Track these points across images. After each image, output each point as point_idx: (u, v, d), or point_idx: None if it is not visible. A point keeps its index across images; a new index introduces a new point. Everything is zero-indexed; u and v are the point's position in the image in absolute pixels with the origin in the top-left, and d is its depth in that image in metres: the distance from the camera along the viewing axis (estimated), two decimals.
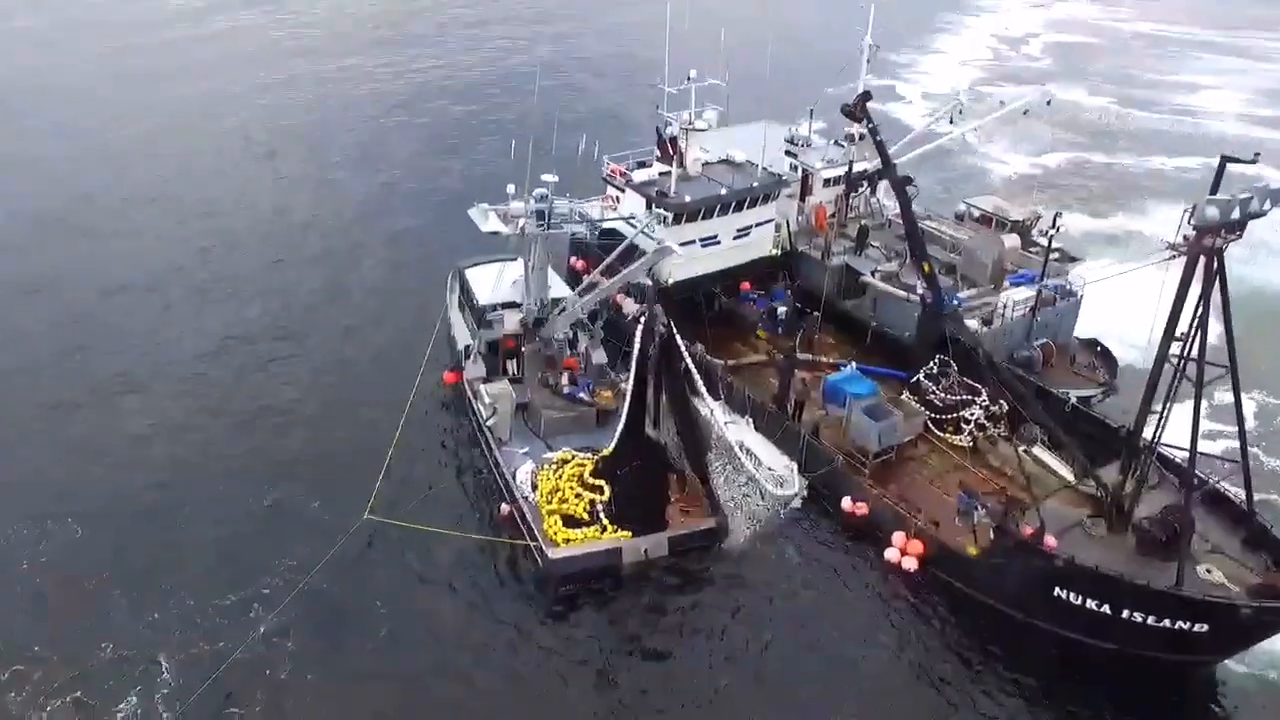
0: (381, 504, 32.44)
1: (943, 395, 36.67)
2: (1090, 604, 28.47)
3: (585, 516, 31.77)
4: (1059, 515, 30.96)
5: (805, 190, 47.80)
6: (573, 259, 45.99)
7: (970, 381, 36.60)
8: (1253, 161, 26.41)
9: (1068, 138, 75.35)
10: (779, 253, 45.26)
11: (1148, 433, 30.06)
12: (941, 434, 36.30)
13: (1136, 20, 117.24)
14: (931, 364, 37.60)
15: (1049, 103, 47.95)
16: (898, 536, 32.15)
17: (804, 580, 31.87)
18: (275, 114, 76.16)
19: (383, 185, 63.46)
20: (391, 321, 46.16)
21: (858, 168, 46.84)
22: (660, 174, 43.34)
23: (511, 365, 38.22)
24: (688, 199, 41.10)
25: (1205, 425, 28.77)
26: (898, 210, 42.67)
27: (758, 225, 43.85)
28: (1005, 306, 40.22)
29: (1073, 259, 43.91)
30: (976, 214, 46.70)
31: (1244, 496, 29.52)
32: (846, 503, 33.76)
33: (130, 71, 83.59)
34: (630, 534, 31.33)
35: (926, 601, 31.02)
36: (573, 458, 33.73)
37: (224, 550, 31.71)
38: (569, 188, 38.31)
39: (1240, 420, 27.99)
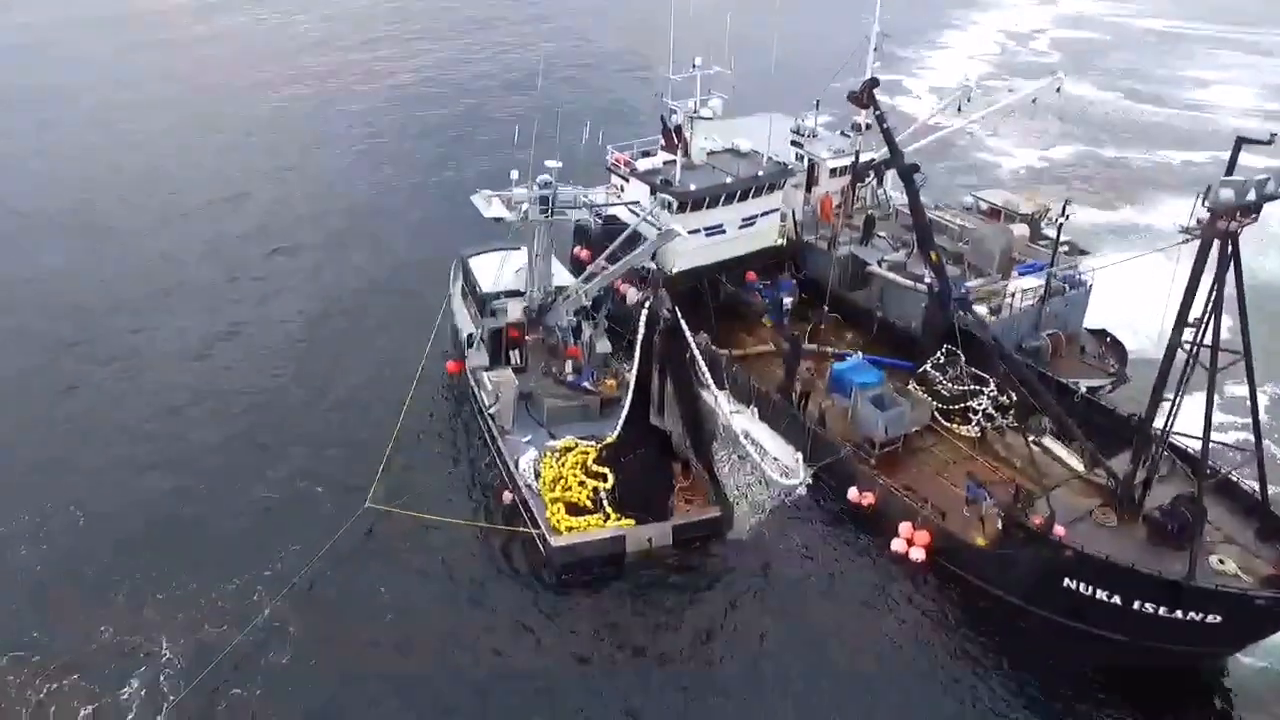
0: (382, 493, 32.17)
1: (950, 385, 36.23)
2: (1101, 595, 27.99)
3: (588, 504, 31.46)
4: (1068, 505, 30.48)
5: (811, 180, 47.31)
6: (576, 248, 45.59)
7: (978, 372, 36.17)
8: (1269, 142, 25.84)
9: (1076, 131, 74.83)
10: (784, 243, 44.84)
11: (1159, 422, 29.57)
12: (949, 424, 35.87)
13: (1146, 16, 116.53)
14: (939, 354, 37.17)
15: (1059, 90, 47.36)
16: (904, 527, 31.68)
17: (809, 570, 31.47)
18: (275, 108, 76.04)
19: (385, 176, 63.29)
20: (394, 311, 45.87)
21: (864, 158, 46.36)
22: (665, 163, 42.99)
23: (515, 355, 37.92)
24: (692, 187, 40.72)
25: (1217, 417, 28.30)
26: (904, 201, 42.28)
27: (763, 215, 43.43)
28: (1013, 296, 39.74)
29: (1082, 252, 43.42)
30: (984, 207, 46.21)
31: (1257, 487, 29.02)
32: (853, 493, 33.35)
33: (134, 66, 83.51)
34: (634, 522, 30.98)
35: (933, 592, 30.59)
36: (576, 445, 33.38)
37: (225, 537, 31.54)
38: (573, 175, 37.98)
39: (1254, 408, 27.49)
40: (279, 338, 43.73)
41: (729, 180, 41.40)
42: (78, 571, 30.04)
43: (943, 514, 31.57)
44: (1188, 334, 27.00)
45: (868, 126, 45.84)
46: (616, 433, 32.78)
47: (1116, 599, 27.82)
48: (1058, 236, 40.23)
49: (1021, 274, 40.94)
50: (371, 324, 45.13)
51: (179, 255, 51.34)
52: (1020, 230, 43.07)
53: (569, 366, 37.30)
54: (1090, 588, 28.07)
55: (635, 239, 36.08)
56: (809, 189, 47.20)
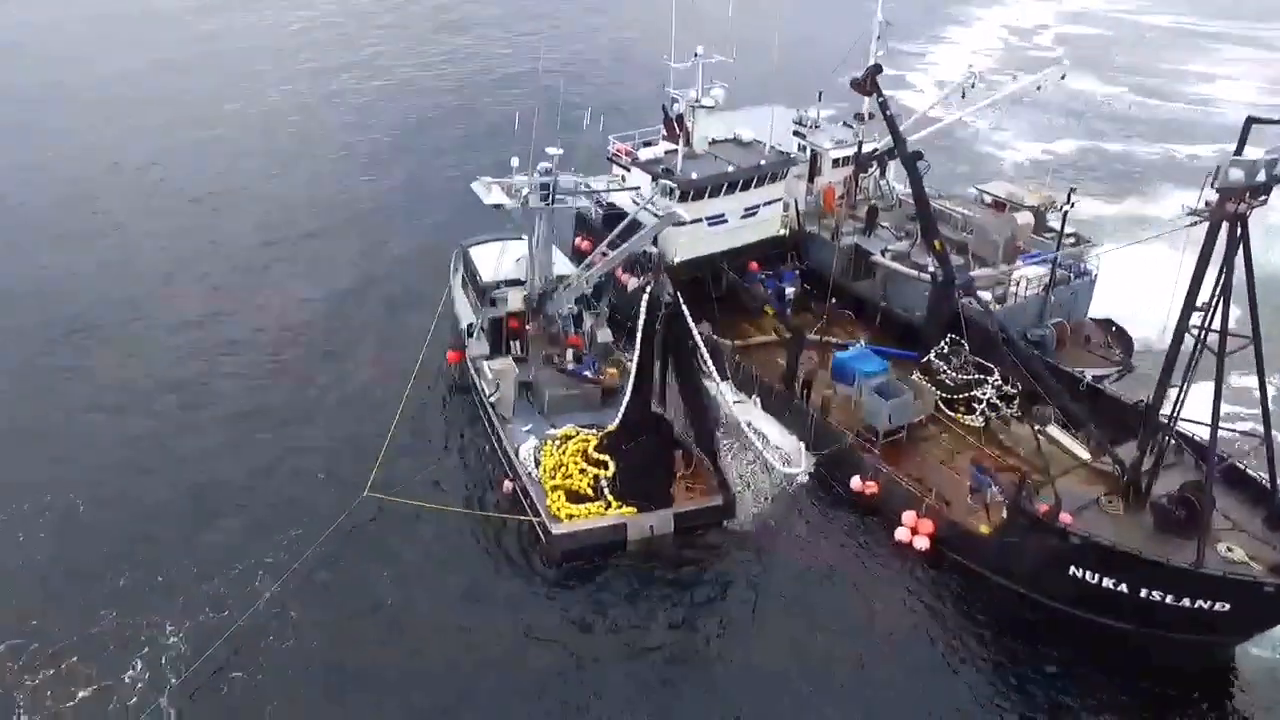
0: (382, 481, 31.90)
1: (954, 375, 35.93)
2: (1107, 583, 27.65)
3: (589, 492, 31.17)
4: (1074, 493, 30.15)
5: (814, 171, 47.10)
6: (578, 239, 45.34)
7: (982, 361, 35.85)
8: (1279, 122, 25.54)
9: (1080, 125, 74.46)
10: (787, 233, 44.56)
11: (1166, 409, 29.22)
12: (953, 414, 35.55)
13: (1149, 12, 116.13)
14: (943, 344, 36.86)
15: (1063, 77, 47.03)
16: (908, 516, 31.37)
17: (811, 559, 31.11)
18: (274, 100, 75.78)
19: (385, 168, 63.03)
20: (394, 301, 45.64)
21: (867, 148, 46.09)
22: (666, 152, 42.68)
23: (515, 345, 37.68)
24: (694, 176, 40.43)
25: (1224, 407, 27.83)
26: (907, 191, 42.00)
27: (766, 204, 43.15)
28: (1018, 285, 39.42)
29: (1089, 243, 43.01)
30: (989, 200, 45.88)
31: (1266, 475, 28.66)
32: (856, 482, 33.03)
33: (134, 66, 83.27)
34: (635, 510, 30.69)
35: (937, 581, 30.26)
36: (577, 433, 33.11)
37: (225, 523, 31.32)
38: (573, 164, 37.74)
39: (1264, 393, 27.07)
40: (279, 326, 43.34)
41: (731, 169, 41.11)
42: (78, 558, 29.81)
43: (947, 502, 31.30)
44: (1196, 318, 26.66)
45: (871, 116, 45.68)
46: (618, 420, 32.46)
47: (1123, 587, 27.49)
48: (1063, 224, 39.93)
49: (1026, 264, 40.64)
50: (372, 314, 44.85)
51: (177, 244, 51.07)
52: (1025, 218, 42.73)
53: (570, 355, 37.04)
54: (1097, 576, 27.71)
55: (636, 228, 35.83)
56: (811, 180, 46.97)
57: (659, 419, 33.13)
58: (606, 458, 31.79)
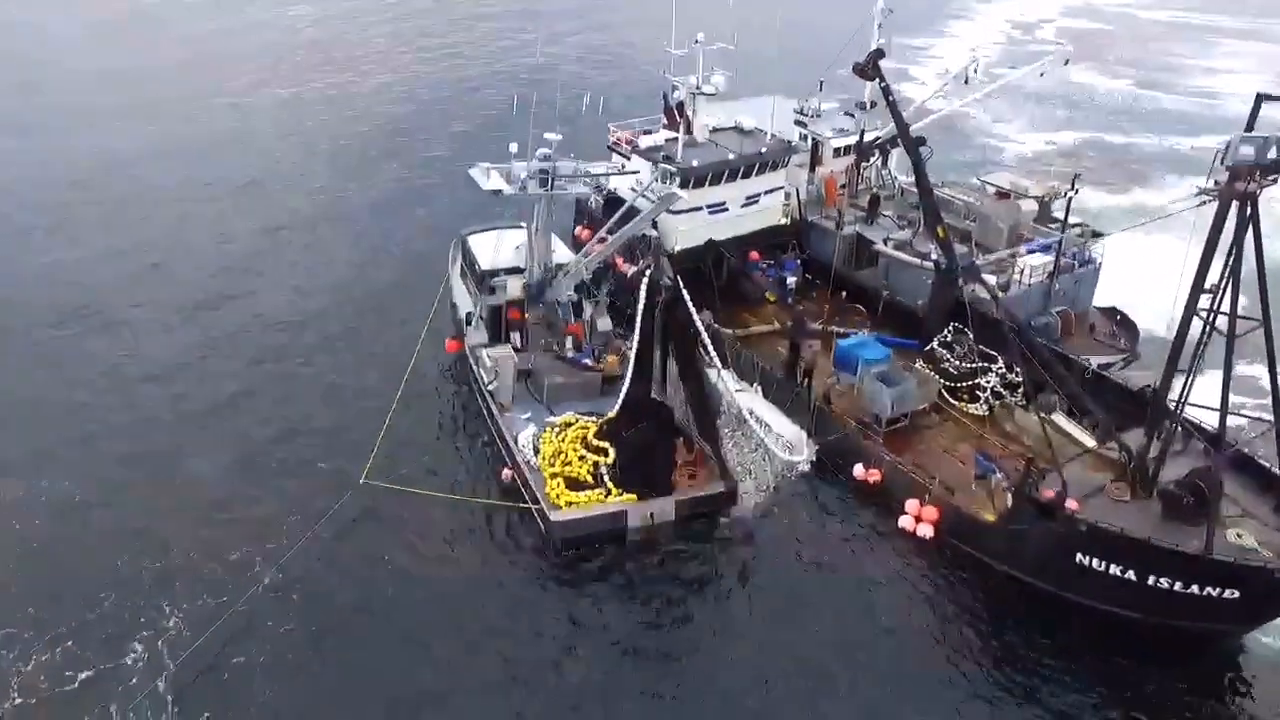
0: (379, 469, 31.49)
1: (957, 363, 35.54)
2: (1115, 570, 27.26)
3: (589, 479, 30.79)
4: (1081, 480, 29.72)
5: (815, 160, 46.68)
6: (578, 229, 44.99)
7: (985, 349, 35.44)
8: None
9: (1083, 117, 74.02)
10: (788, 221, 44.17)
11: (1174, 394, 28.79)
12: (956, 403, 35.15)
13: (1152, 8, 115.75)
14: (946, 332, 36.47)
15: (1067, 62, 46.63)
16: (912, 504, 30.98)
17: (814, 548, 30.71)
18: (272, 92, 75.44)
19: (384, 156, 62.69)
20: (392, 290, 45.30)
21: (869, 137, 45.70)
22: (667, 140, 42.23)
23: (515, 336, 37.25)
24: (695, 163, 40.04)
25: (1232, 395, 27.46)
26: (909, 180, 41.59)
27: (767, 193, 42.77)
28: (1022, 272, 39.02)
29: (1096, 234, 42.54)
30: (993, 190, 45.43)
31: (1276, 461, 28.25)
32: (859, 470, 32.67)
33: (138, 60, 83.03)
34: (636, 497, 30.30)
35: (942, 570, 29.83)
36: (576, 421, 32.74)
37: (223, 509, 31.07)
38: (573, 150, 37.27)
39: (1274, 377, 26.58)
40: (276, 315, 43.09)
41: (732, 157, 40.71)
42: (76, 542, 29.58)
43: (951, 490, 30.88)
44: (1204, 301, 26.24)
45: (873, 104, 45.24)
46: (618, 406, 32.07)
47: (1131, 574, 27.09)
48: (1067, 209, 39.51)
49: (1030, 251, 40.20)
50: (370, 303, 44.46)
51: (178, 233, 50.86)
52: (1029, 206, 42.32)
53: (569, 343, 36.66)
54: (1104, 563, 27.31)
55: (635, 214, 35.40)
56: (813, 169, 46.56)
57: (659, 405, 32.71)
58: (606, 445, 31.39)
